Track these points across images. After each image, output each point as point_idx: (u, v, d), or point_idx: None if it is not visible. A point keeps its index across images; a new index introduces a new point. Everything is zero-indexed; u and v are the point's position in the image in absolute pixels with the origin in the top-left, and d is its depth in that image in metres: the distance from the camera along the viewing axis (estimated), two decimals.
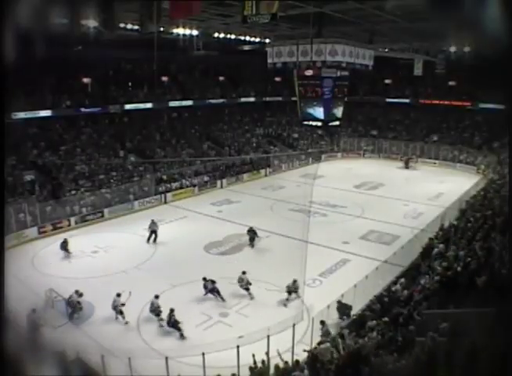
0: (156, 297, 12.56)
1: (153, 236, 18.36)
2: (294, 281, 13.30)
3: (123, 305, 12.39)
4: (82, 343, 10.62)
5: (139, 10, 15.63)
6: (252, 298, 13.75)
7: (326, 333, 10.15)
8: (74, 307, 12.64)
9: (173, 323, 11.86)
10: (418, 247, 14.08)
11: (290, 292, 13.36)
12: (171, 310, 11.95)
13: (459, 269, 9.09)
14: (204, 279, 13.82)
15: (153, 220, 18.66)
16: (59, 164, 23.84)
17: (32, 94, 24.62)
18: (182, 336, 11.73)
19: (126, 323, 12.36)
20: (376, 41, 24.70)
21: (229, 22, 22.54)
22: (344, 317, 11.76)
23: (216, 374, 8.16)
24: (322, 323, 10.52)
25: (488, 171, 29.06)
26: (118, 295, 12.50)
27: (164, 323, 12.03)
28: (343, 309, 11.85)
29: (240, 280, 13.83)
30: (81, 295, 12.73)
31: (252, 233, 17.98)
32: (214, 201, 24.96)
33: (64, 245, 17.19)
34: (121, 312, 12.44)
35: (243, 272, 13.92)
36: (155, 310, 12.35)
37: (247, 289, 13.82)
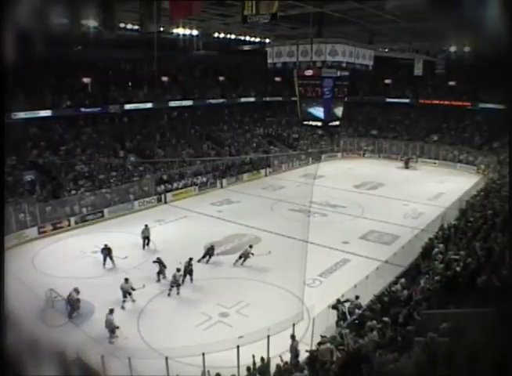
0: (178, 270, 14.02)
1: (146, 241, 17.89)
2: (357, 297, 11.49)
3: (133, 289, 13.16)
4: (82, 343, 10.62)
5: (139, 10, 15.62)
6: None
7: (293, 349, 9.66)
8: (74, 305, 12.67)
9: (189, 271, 14.47)
10: (418, 247, 14.08)
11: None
12: (190, 259, 14.63)
13: (458, 269, 9.08)
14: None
15: (146, 225, 18.11)
16: (59, 164, 23.83)
17: (32, 94, 24.62)
18: (191, 280, 14.43)
19: (133, 301, 13.26)
20: (376, 41, 24.74)
21: (229, 22, 22.56)
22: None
23: (216, 373, 8.18)
24: (293, 337, 9.82)
25: (488, 171, 29.06)
26: (126, 280, 13.26)
27: (180, 290, 13.93)
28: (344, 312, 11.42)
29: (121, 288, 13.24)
30: (78, 292, 12.80)
31: (211, 251, 16.66)
32: (214, 201, 24.96)
33: (107, 253, 15.77)
34: (130, 294, 13.18)
35: (126, 280, 13.19)
36: (176, 282, 13.88)
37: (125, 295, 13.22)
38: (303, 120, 18.68)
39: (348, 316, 11.14)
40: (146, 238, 17.90)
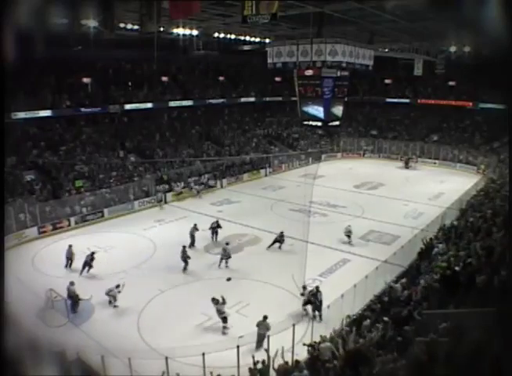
0: (227, 243, 16.35)
1: (192, 240, 17.91)
2: (317, 287, 12.82)
3: (119, 292, 13.26)
4: (82, 343, 10.62)
5: (139, 10, 15.64)
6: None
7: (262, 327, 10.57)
8: (74, 299, 12.75)
9: (217, 229, 18.45)
10: (418, 247, 14.07)
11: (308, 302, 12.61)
12: (217, 220, 18.90)
13: (458, 268, 9.09)
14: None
15: (195, 224, 18.23)
16: (59, 164, 23.83)
17: (32, 94, 24.61)
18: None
19: (115, 306, 13.17)
20: (376, 41, 24.75)
21: (229, 22, 22.58)
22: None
23: (216, 374, 8.17)
24: (265, 318, 10.81)
25: (488, 171, 29.06)
26: (117, 287, 13.31)
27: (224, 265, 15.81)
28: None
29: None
30: (73, 284, 13.05)
31: (281, 238, 17.44)
32: (214, 201, 24.95)
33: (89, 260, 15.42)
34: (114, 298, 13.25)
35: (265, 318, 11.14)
36: (227, 255, 15.79)
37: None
38: (303, 120, 18.68)
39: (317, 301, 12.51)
40: (193, 236, 17.97)
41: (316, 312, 12.39)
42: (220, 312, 11.73)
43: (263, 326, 10.80)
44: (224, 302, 11.87)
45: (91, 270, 15.44)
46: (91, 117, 28.46)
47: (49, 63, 25.14)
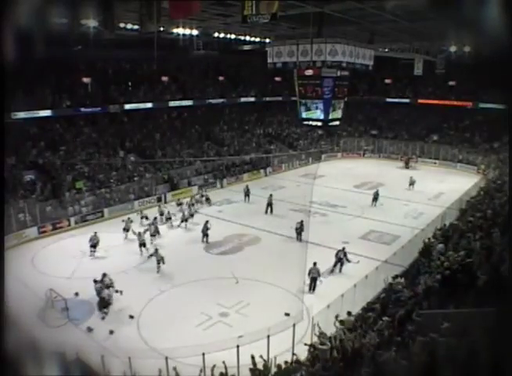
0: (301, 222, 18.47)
1: (269, 208, 21.92)
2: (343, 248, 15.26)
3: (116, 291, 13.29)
4: (82, 343, 10.62)
5: (139, 10, 15.65)
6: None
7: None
8: (101, 292, 12.79)
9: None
10: (418, 247, 14.06)
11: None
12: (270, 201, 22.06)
13: (458, 268, 9.08)
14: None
15: (271, 194, 22.39)
16: (59, 164, 23.83)
17: (32, 94, 24.61)
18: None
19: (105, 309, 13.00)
20: (376, 41, 24.77)
21: (229, 22, 22.60)
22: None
23: (218, 373, 8.16)
24: (315, 264, 13.46)
25: (488, 171, 29.05)
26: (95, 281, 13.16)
27: None
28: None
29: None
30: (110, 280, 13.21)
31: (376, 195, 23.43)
32: (214, 201, 24.93)
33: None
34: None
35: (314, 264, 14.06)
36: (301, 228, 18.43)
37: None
38: (303, 119, 18.70)
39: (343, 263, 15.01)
40: (270, 205, 22.07)
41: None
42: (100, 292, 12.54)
43: (314, 270, 13.50)
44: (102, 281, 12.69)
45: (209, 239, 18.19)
46: (91, 117, 28.43)
47: (49, 63, 25.12)
